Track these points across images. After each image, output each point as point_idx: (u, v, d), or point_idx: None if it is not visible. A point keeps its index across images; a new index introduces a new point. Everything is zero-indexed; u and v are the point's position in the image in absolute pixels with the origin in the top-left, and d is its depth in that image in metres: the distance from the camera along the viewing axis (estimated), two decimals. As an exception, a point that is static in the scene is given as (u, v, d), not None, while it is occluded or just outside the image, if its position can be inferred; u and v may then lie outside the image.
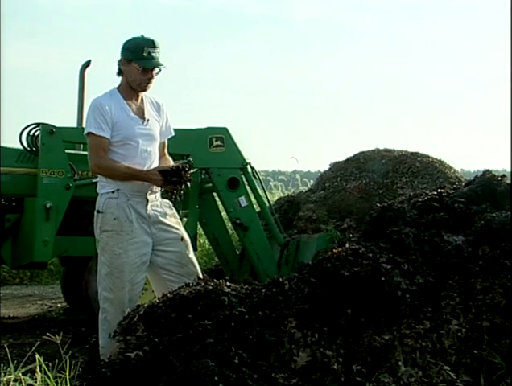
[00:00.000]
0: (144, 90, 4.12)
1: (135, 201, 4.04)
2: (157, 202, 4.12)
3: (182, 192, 4.07)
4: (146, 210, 4.05)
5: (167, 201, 4.20)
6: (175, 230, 4.14)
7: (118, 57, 4.12)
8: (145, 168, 4.07)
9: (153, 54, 4.04)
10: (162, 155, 4.28)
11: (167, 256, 4.10)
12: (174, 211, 4.23)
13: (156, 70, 4.07)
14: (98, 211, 4.06)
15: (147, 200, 4.06)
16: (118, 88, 4.12)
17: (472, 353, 3.48)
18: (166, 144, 4.32)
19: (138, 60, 4.02)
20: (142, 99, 4.15)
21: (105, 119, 4.00)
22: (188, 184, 4.07)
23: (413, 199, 4.33)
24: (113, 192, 4.03)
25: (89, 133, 4.03)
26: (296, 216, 7.71)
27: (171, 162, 4.29)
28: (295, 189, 12.77)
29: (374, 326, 3.33)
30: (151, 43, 4.06)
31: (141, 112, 4.12)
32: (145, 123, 4.11)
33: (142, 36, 4.08)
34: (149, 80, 4.07)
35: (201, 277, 3.89)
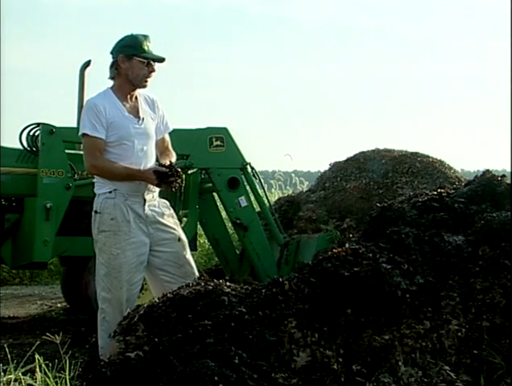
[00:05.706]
0: (145, 86, 4.09)
1: (133, 201, 4.02)
2: (155, 201, 4.11)
3: (178, 191, 4.04)
4: (144, 210, 4.04)
5: (165, 201, 4.19)
6: (172, 230, 4.13)
7: (111, 60, 4.08)
8: (141, 167, 4.04)
9: (151, 48, 4.06)
10: (163, 151, 4.24)
11: (164, 257, 4.08)
12: (172, 211, 4.21)
13: (155, 64, 4.06)
14: (96, 212, 4.05)
15: (145, 200, 4.04)
16: (112, 88, 4.10)
17: (472, 353, 3.48)
18: (167, 139, 4.29)
19: (142, 54, 4.02)
20: (136, 97, 4.12)
21: (99, 120, 3.98)
22: (183, 183, 4.03)
23: (413, 199, 4.34)
24: (110, 192, 4.01)
25: (84, 134, 4.02)
26: (296, 216, 7.69)
27: (173, 158, 4.25)
28: (294, 189, 12.75)
29: (374, 326, 3.33)
30: (148, 38, 4.08)
31: (135, 111, 4.10)
32: (140, 122, 4.08)
33: (135, 34, 4.08)
34: (151, 74, 4.06)
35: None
